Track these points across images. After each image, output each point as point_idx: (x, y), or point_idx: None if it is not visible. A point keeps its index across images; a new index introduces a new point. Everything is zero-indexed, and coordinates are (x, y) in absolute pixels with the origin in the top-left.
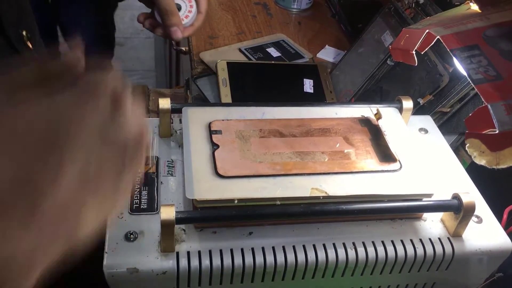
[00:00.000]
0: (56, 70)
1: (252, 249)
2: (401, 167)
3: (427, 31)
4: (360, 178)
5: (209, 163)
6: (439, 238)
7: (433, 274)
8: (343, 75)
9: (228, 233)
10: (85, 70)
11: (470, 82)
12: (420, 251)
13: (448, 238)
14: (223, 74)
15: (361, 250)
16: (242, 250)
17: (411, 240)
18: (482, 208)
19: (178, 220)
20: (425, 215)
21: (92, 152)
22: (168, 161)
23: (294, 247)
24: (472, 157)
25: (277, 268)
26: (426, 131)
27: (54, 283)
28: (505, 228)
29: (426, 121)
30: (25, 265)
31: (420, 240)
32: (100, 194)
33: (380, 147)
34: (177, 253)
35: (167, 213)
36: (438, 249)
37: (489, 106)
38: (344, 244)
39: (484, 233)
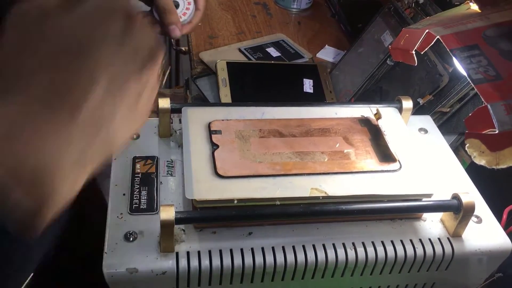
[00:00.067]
0: None
1: (252, 249)
2: (400, 167)
3: (427, 31)
4: (359, 178)
5: (209, 163)
6: (438, 238)
7: (433, 274)
8: (342, 75)
9: (227, 233)
10: None
11: (470, 82)
12: (419, 251)
13: (448, 238)
14: (222, 74)
15: (360, 250)
16: (241, 250)
17: (411, 240)
18: (482, 208)
19: (178, 220)
20: (425, 215)
21: (116, 61)
22: (167, 161)
23: (293, 247)
24: (472, 157)
25: (277, 268)
26: (425, 131)
27: (55, 283)
28: (505, 228)
29: (426, 121)
30: (76, 166)
31: (420, 240)
32: (127, 104)
33: (380, 147)
34: (177, 253)
35: (167, 213)
36: (438, 249)
37: (489, 106)
38: (343, 244)
39: (483, 233)
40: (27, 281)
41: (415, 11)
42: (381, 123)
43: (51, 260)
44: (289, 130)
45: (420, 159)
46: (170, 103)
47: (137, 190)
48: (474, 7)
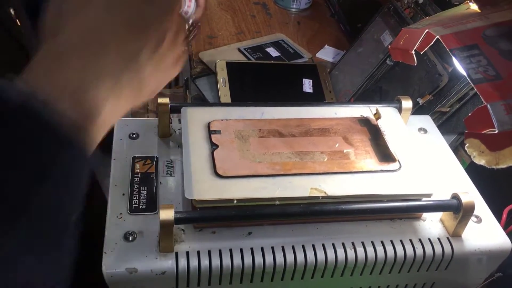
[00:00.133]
0: None
1: (251, 249)
2: (400, 167)
3: (426, 30)
4: (359, 178)
5: (208, 163)
6: (438, 238)
7: (433, 274)
8: (342, 75)
9: (227, 233)
10: None
11: (470, 81)
12: (419, 251)
13: (448, 238)
14: (222, 74)
15: (360, 250)
16: (241, 250)
17: (411, 240)
18: (481, 208)
19: (177, 220)
20: (425, 215)
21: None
22: (167, 161)
23: (293, 247)
24: (472, 157)
25: (276, 268)
26: (425, 131)
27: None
28: (504, 228)
29: (426, 121)
30: (112, 92)
31: (420, 240)
32: (149, 47)
33: (380, 147)
34: (176, 253)
35: (166, 213)
36: (438, 249)
37: (488, 105)
38: (343, 244)
39: (483, 233)
40: None
41: (415, 11)
42: (380, 123)
43: None
44: (288, 130)
45: (420, 159)
46: (170, 103)
47: (137, 190)
48: (474, 7)
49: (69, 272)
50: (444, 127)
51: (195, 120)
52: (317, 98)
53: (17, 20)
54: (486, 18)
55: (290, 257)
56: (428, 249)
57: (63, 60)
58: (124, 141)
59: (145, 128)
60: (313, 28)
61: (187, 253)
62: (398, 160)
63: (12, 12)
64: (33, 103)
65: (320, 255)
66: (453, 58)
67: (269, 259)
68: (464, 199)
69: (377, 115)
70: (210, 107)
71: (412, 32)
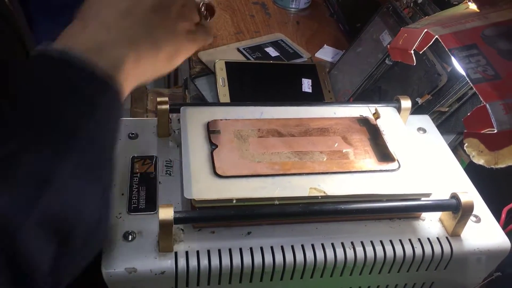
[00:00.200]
0: None
1: (251, 249)
2: (399, 167)
3: (425, 30)
4: (358, 178)
5: (208, 163)
6: (437, 238)
7: (432, 274)
8: (341, 74)
9: (226, 233)
10: None
11: (469, 81)
12: (418, 250)
13: (447, 237)
14: (221, 74)
15: (359, 250)
16: (240, 250)
17: (410, 240)
18: (481, 207)
19: (177, 220)
20: (424, 214)
21: None
22: (166, 161)
23: (292, 246)
24: (471, 156)
25: (276, 268)
26: (424, 130)
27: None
28: (504, 228)
29: (425, 120)
30: (168, 51)
31: (419, 239)
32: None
33: (379, 146)
34: (176, 253)
35: (166, 213)
36: (437, 248)
37: (487, 105)
38: (342, 244)
39: (482, 233)
40: None
41: (414, 11)
42: (379, 123)
43: None
44: (287, 129)
45: (419, 158)
46: (169, 103)
47: (136, 190)
48: (473, 6)
49: (110, 213)
50: (443, 126)
51: (194, 120)
52: (316, 98)
53: (10, 6)
54: (485, 18)
55: (289, 257)
56: (427, 249)
57: (85, 26)
58: (123, 141)
59: (144, 128)
60: (312, 28)
61: (187, 253)
62: (397, 160)
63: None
64: (71, 56)
65: (320, 254)
66: (452, 58)
67: (268, 259)
68: (463, 198)
69: (376, 115)
70: (209, 107)
71: (411, 31)
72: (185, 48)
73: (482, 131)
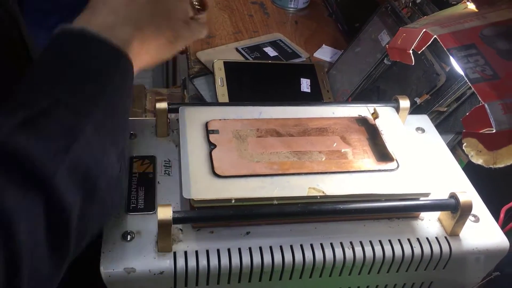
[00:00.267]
0: None
1: (250, 248)
2: (398, 167)
3: (424, 30)
4: (357, 178)
5: (206, 163)
6: (436, 237)
7: (431, 274)
8: (340, 74)
9: (225, 233)
10: None
11: (467, 81)
12: (417, 250)
13: (445, 237)
14: (220, 74)
15: (358, 250)
16: (239, 249)
17: (409, 240)
18: (479, 207)
19: (175, 220)
20: (422, 214)
21: None
22: (165, 161)
23: (291, 246)
24: (469, 156)
25: (275, 268)
26: (423, 130)
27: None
28: (502, 227)
29: (423, 120)
30: (176, 41)
31: (418, 239)
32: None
33: (377, 146)
34: (174, 253)
35: (164, 213)
36: (435, 248)
37: (486, 105)
38: (341, 244)
39: (481, 232)
40: None
41: (412, 11)
42: (378, 123)
43: None
44: (286, 129)
45: (418, 158)
46: (168, 103)
47: (135, 189)
48: (471, 6)
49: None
50: (441, 126)
51: (193, 119)
52: (314, 97)
53: None
54: (484, 17)
55: (288, 257)
56: (426, 249)
57: (94, 12)
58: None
59: (143, 128)
60: (311, 28)
61: (185, 252)
62: (396, 160)
63: None
64: (89, 31)
65: (319, 254)
66: (451, 58)
67: (267, 258)
68: (462, 198)
69: (375, 115)
70: (208, 107)
71: (409, 31)
72: (183, 36)
73: (481, 131)
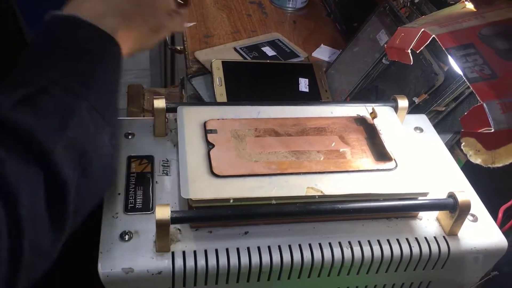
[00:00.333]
0: None
1: (248, 248)
2: (396, 166)
3: (422, 30)
4: (355, 177)
5: (205, 163)
6: (434, 237)
7: (429, 273)
8: (338, 74)
9: (223, 233)
10: None
11: (466, 80)
12: (415, 250)
13: (444, 236)
14: (218, 73)
15: (357, 249)
16: (237, 249)
17: (407, 239)
18: (478, 206)
19: (173, 220)
20: (421, 214)
21: None
22: (163, 161)
23: (290, 246)
24: (468, 156)
25: (273, 267)
26: (421, 130)
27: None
28: (500, 227)
29: (422, 120)
30: (159, 30)
31: (416, 239)
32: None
33: (376, 146)
34: (173, 253)
35: (162, 212)
36: (434, 248)
37: (484, 104)
38: (340, 243)
39: (479, 232)
40: None
41: (411, 10)
42: (376, 122)
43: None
44: (284, 129)
45: (416, 158)
46: (166, 103)
47: (133, 189)
48: (470, 6)
49: (117, 158)
50: (440, 126)
51: (191, 119)
52: (313, 97)
53: None
54: (482, 17)
55: (286, 257)
56: (425, 248)
57: (84, 1)
58: (120, 140)
59: (141, 127)
60: (309, 27)
61: (184, 252)
62: (394, 159)
63: None
64: (79, 17)
65: (317, 254)
66: (449, 57)
67: (265, 258)
68: (460, 198)
69: (373, 114)
70: (206, 107)
71: (408, 31)
72: (166, 27)
73: (479, 130)
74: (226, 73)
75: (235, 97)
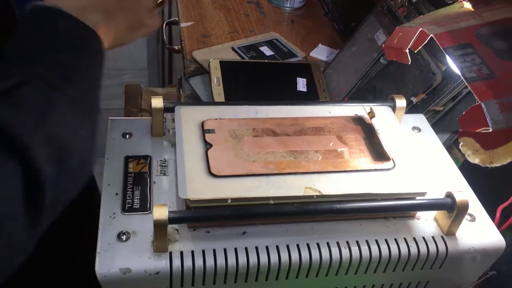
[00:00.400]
0: None
1: (246, 248)
2: (394, 166)
3: (420, 29)
4: (353, 177)
5: (202, 163)
6: (432, 237)
7: (427, 273)
8: (336, 73)
9: (221, 233)
10: None
11: (464, 80)
12: (413, 249)
13: (442, 236)
14: (216, 73)
15: (355, 249)
16: (235, 249)
17: (405, 239)
18: (475, 206)
19: (171, 220)
20: (419, 213)
21: None
22: (161, 161)
23: (287, 246)
24: (466, 155)
25: (271, 267)
26: (419, 129)
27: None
28: (498, 227)
29: (419, 119)
30: (139, 27)
31: (414, 238)
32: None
33: (374, 145)
34: (170, 253)
35: (160, 213)
36: (432, 247)
37: (482, 104)
38: (338, 243)
39: (477, 232)
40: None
41: (408, 10)
42: (374, 122)
43: (47, 261)
44: (282, 129)
45: (414, 157)
46: (163, 102)
47: (130, 189)
48: (467, 5)
49: (96, 154)
50: (437, 125)
51: (188, 119)
52: (311, 97)
53: None
54: (480, 17)
55: (284, 257)
56: (422, 248)
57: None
58: (117, 140)
59: (139, 127)
60: (307, 27)
61: (181, 253)
62: (392, 159)
63: None
64: (62, 9)
65: (315, 254)
66: (447, 57)
67: (263, 258)
68: (458, 197)
69: (371, 114)
70: (204, 106)
71: (406, 30)
72: (145, 23)
73: (477, 130)
74: (224, 72)
75: (233, 97)
